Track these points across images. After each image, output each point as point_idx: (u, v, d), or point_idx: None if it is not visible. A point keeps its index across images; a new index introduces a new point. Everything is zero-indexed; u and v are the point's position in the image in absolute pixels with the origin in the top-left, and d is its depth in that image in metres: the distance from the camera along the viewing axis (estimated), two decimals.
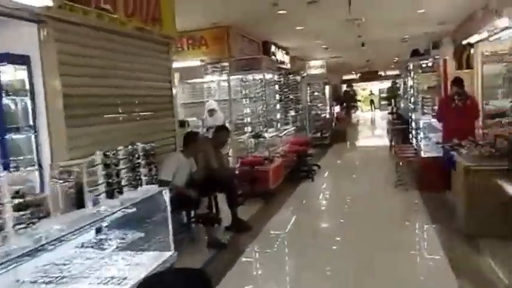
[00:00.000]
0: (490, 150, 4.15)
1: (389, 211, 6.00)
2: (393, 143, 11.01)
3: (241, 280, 4.03)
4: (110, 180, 2.86)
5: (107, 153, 2.91)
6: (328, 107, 14.81)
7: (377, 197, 6.82)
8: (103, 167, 2.83)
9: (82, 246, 2.95)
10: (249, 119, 7.68)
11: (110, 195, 2.84)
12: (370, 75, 27.10)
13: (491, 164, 4.14)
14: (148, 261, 3.12)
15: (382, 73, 27.35)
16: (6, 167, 2.76)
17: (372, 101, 31.58)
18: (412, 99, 8.32)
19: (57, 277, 2.64)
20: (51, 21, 3.50)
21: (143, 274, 2.83)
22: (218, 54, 7.88)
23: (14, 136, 3.20)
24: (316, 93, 13.98)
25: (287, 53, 11.81)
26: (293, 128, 9.70)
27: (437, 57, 9.02)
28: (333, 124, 15.29)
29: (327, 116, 14.41)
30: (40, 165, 3.28)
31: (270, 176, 7.02)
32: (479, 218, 4.20)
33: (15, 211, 2.30)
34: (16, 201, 2.36)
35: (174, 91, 5.48)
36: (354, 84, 28.21)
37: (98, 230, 3.18)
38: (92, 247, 2.91)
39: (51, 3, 3.32)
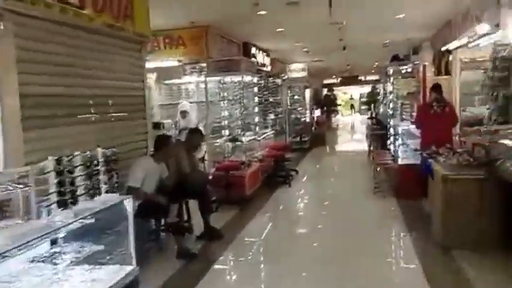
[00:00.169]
0: (468, 159, 4.07)
1: (366, 219, 5.92)
2: (372, 148, 11.01)
3: None
4: (63, 189, 2.61)
5: (61, 159, 2.65)
6: (308, 111, 14.75)
7: (354, 203, 6.73)
8: (55, 175, 2.57)
9: (33, 261, 2.68)
10: (226, 122, 7.46)
11: (62, 205, 2.59)
12: (350, 80, 27.29)
13: (469, 173, 4.06)
14: (107, 276, 2.88)
15: (363, 78, 27.59)
16: None
17: (352, 106, 31.85)
18: (391, 105, 8.28)
19: None
20: (10, 15, 3.24)
21: None
22: (196, 54, 7.64)
23: None
24: (296, 97, 13.88)
25: (268, 55, 11.65)
26: (272, 131, 9.54)
27: (417, 63, 9.05)
28: (313, 128, 15.23)
29: (307, 120, 14.33)
30: None
31: (246, 181, 6.84)
32: (456, 228, 4.12)
33: None
34: None
35: (146, 92, 5.25)
36: (334, 88, 28.36)
37: (53, 243, 2.92)
38: (43, 262, 2.65)
39: None
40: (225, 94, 7.29)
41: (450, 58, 9.00)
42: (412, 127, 6.63)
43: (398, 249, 4.87)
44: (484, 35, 6.05)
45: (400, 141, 6.95)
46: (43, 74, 3.54)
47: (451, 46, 8.40)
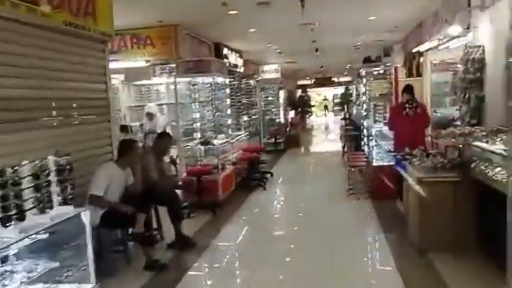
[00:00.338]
0: (442, 161, 4.02)
1: (341, 221, 5.86)
2: (346, 149, 11.04)
3: None
4: (7, 204, 2.34)
5: (4, 170, 2.37)
6: (282, 112, 14.69)
7: (330, 205, 6.67)
8: None
9: None
10: (198, 125, 7.24)
11: (7, 221, 2.32)
12: (324, 81, 27.53)
13: (443, 175, 4.01)
14: None
15: (336, 79, 27.88)
16: None
17: (325, 107, 32.17)
18: (364, 106, 8.28)
19: None
20: None
21: None
22: (165, 54, 7.36)
23: None
24: (270, 98, 13.81)
25: (240, 56, 11.48)
26: (246, 133, 9.38)
27: (388, 64, 9.10)
28: (288, 129, 15.21)
29: (282, 121, 14.28)
30: None
31: (219, 185, 6.66)
32: (432, 231, 4.07)
33: None
34: None
35: (111, 93, 4.96)
36: (308, 90, 28.55)
37: (3, 261, 2.64)
38: None
39: None
40: (196, 96, 7.07)
41: (421, 60, 9.12)
42: (385, 128, 6.62)
43: (374, 251, 4.82)
44: (455, 37, 6.10)
45: (373, 142, 6.91)
46: None
47: (421, 48, 8.49)
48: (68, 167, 2.96)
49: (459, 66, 5.24)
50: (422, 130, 5.88)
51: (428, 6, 7.23)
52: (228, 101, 7.84)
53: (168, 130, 6.81)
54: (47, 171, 2.72)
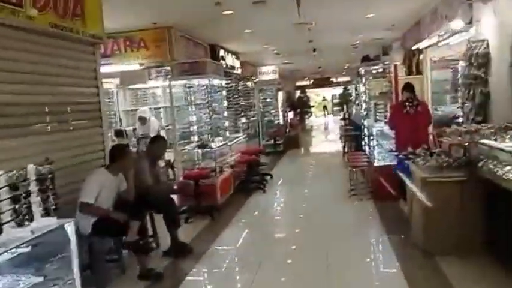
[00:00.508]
0: (448, 160, 3.86)
1: (343, 222, 5.74)
2: (346, 149, 10.89)
3: None
4: None
5: None
6: (281, 113, 14.57)
7: (331, 207, 6.52)
8: None
9: None
10: (195, 128, 7.08)
11: None
12: (322, 82, 27.41)
13: (449, 175, 3.85)
14: None
15: (334, 79, 27.77)
16: None
17: (325, 107, 32.12)
18: (364, 105, 8.12)
19: None
20: None
21: None
22: (160, 57, 7.19)
23: None
24: (268, 100, 13.70)
25: (237, 58, 11.32)
26: (244, 136, 9.22)
27: (387, 63, 8.96)
28: (287, 130, 15.09)
29: (281, 122, 14.15)
30: None
31: (218, 189, 6.51)
32: (437, 233, 3.90)
33: None
34: None
35: (103, 97, 4.80)
36: (307, 90, 28.47)
37: None
38: None
39: None
40: (192, 98, 6.91)
41: (421, 57, 8.97)
42: (386, 128, 6.47)
43: (378, 253, 4.70)
44: (456, 32, 5.94)
45: (375, 142, 6.74)
46: None
47: (421, 45, 8.34)
48: (49, 175, 2.79)
49: (461, 62, 5.06)
50: (425, 128, 5.73)
51: (428, 3, 7.08)
52: (225, 103, 7.68)
53: (162, 134, 6.64)
54: (27, 181, 2.55)
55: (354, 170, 7.13)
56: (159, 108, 9.02)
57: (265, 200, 7.35)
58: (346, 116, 15.67)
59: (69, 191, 3.88)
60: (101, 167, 4.09)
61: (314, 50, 11.76)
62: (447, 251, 3.91)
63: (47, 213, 2.67)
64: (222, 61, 9.65)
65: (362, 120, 8.49)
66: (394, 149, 5.97)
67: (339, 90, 28.53)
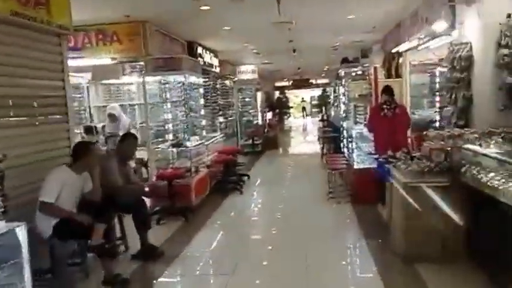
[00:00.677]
0: (429, 165, 3.76)
1: (321, 225, 5.64)
2: (325, 151, 10.83)
3: None
4: None
5: None
6: (260, 113, 14.44)
7: (309, 210, 6.39)
8: None
9: None
10: (170, 126, 6.81)
11: None
12: (301, 83, 27.45)
13: (431, 180, 3.74)
14: None
15: (314, 81, 27.86)
16: None
17: (303, 108, 32.25)
18: (344, 107, 8.04)
19: None
20: None
21: None
22: (133, 52, 6.85)
23: None
24: (247, 99, 13.54)
25: (216, 56, 11.06)
26: (221, 135, 9.00)
27: (367, 65, 8.93)
28: (265, 131, 14.97)
29: (259, 122, 14.02)
30: None
31: (192, 190, 6.29)
32: (419, 240, 3.79)
33: None
34: None
35: (69, 91, 4.49)
36: (286, 91, 28.49)
37: None
38: None
39: None
40: (168, 95, 6.64)
41: (400, 61, 8.97)
42: (366, 130, 6.39)
43: (355, 257, 4.62)
44: (437, 36, 5.90)
45: (354, 144, 6.65)
46: None
47: (401, 48, 8.33)
48: None
49: (439, 68, 4.99)
50: (403, 131, 5.68)
51: (409, 5, 7.03)
52: (202, 101, 7.43)
53: (133, 132, 6.31)
54: None
55: (332, 172, 7.03)
56: (134, 105, 8.69)
57: (241, 201, 7.18)
58: (325, 118, 15.70)
59: (29, 190, 3.62)
60: (62, 165, 3.79)
61: (294, 51, 11.63)
62: (427, 258, 3.81)
63: None
64: (199, 59, 9.37)
65: (341, 122, 8.41)
66: (373, 152, 5.90)
67: (317, 92, 28.71)
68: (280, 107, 23.74)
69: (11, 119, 3.66)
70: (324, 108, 22.49)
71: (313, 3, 6.86)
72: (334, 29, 9.20)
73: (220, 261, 4.56)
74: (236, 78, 13.67)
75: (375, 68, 8.66)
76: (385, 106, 5.64)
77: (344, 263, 4.39)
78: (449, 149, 3.62)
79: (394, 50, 8.81)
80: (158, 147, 6.61)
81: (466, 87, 4.27)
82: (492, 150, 3.06)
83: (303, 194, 7.40)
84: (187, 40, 9.01)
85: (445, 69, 5.06)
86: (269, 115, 18.92)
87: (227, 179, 7.87)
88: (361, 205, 6.04)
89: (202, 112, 7.32)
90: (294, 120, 29.41)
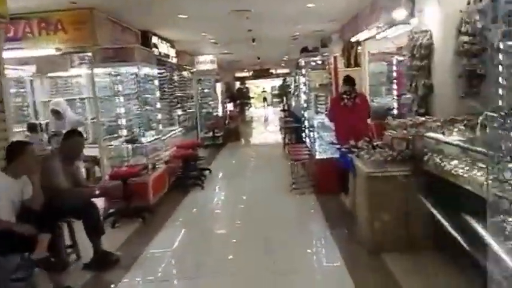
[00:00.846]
0: (392, 154, 3.69)
1: (285, 217, 5.56)
2: (287, 141, 10.76)
3: None
4: None
5: None
6: (220, 105, 14.14)
7: (272, 202, 6.29)
8: None
9: None
10: (123, 121, 6.39)
11: None
12: (262, 73, 27.31)
13: (393, 169, 3.68)
14: None
15: (274, 71, 27.80)
16: None
17: (264, 98, 32.23)
18: (304, 97, 7.95)
19: None
20: None
21: None
22: (80, 42, 6.32)
23: None
24: (207, 90, 13.17)
25: (172, 46, 10.61)
26: (180, 129, 8.65)
27: (326, 54, 8.88)
28: (226, 122, 14.71)
29: (220, 114, 13.72)
30: None
31: (150, 188, 5.96)
32: (384, 230, 3.74)
33: None
34: None
35: (5, 85, 4.05)
36: (247, 82, 28.28)
37: None
38: None
39: None
40: (120, 88, 6.21)
41: (359, 50, 8.99)
42: (327, 120, 6.32)
43: (321, 247, 4.59)
44: (394, 24, 5.88)
45: (316, 134, 6.57)
46: None
47: (360, 37, 8.33)
48: None
49: (404, 53, 4.95)
50: (363, 120, 5.66)
51: None
52: (158, 93, 7.05)
53: (80, 129, 5.86)
54: None
55: (295, 163, 6.94)
56: (84, 99, 8.13)
57: (203, 197, 6.95)
58: (286, 108, 15.67)
59: None
60: None
61: (253, 40, 11.42)
62: (393, 247, 3.78)
63: None
64: (154, 49, 8.93)
65: (302, 112, 8.32)
66: (335, 142, 5.84)
67: (278, 82, 28.73)
68: (241, 98, 23.49)
69: None
70: (284, 98, 22.48)
71: None
72: (294, 18, 9.05)
73: (182, 260, 4.38)
74: (194, 69, 13.26)
75: (335, 58, 8.64)
76: (345, 96, 5.59)
77: (310, 252, 4.39)
78: (411, 137, 3.56)
79: (353, 39, 8.80)
80: (111, 144, 6.19)
81: (426, 75, 4.24)
82: (455, 138, 3.01)
83: (266, 186, 7.28)
84: (141, 29, 8.53)
85: (402, 58, 5.04)
86: (230, 106, 18.64)
87: (187, 175, 7.58)
88: (324, 195, 6.01)
89: (158, 105, 6.94)
90: (255, 110, 29.36)
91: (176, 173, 7.55)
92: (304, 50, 10.61)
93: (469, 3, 3.45)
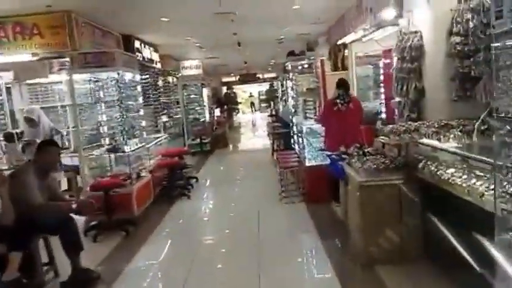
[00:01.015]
0: (384, 162, 3.54)
1: (275, 227, 5.39)
2: (275, 147, 10.59)
3: None
4: None
5: None
6: (207, 111, 13.91)
7: (261, 212, 6.03)
8: None
9: None
10: (105, 129, 6.14)
11: None
12: (249, 78, 27.13)
13: (386, 178, 3.53)
14: None
15: (260, 75, 27.68)
16: None
17: (252, 103, 32.10)
18: (292, 102, 7.79)
19: None
20: None
21: None
22: (57, 46, 6.02)
23: None
24: (193, 96, 12.94)
25: (156, 51, 10.36)
26: (165, 136, 8.40)
27: (313, 58, 8.76)
28: (214, 128, 14.48)
29: (207, 120, 13.50)
30: None
31: (134, 199, 5.71)
32: (377, 242, 3.57)
33: None
34: None
35: None
36: (234, 87, 28.12)
37: None
38: None
39: None
40: (101, 95, 5.97)
41: (346, 53, 8.88)
42: (317, 126, 6.17)
43: (312, 258, 4.43)
44: (381, 26, 5.76)
45: (305, 141, 6.39)
46: None
47: (346, 40, 8.21)
48: None
49: (394, 55, 4.81)
50: (356, 126, 5.46)
51: None
52: (141, 100, 6.82)
53: (57, 137, 5.61)
54: None
55: (284, 170, 6.77)
56: (65, 106, 7.84)
57: (190, 207, 6.72)
58: (274, 113, 15.52)
59: None
60: None
61: (239, 44, 11.23)
62: (386, 259, 3.62)
63: None
64: (138, 53, 8.68)
65: (291, 117, 8.16)
66: (324, 148, 5.68)
67: (265, 87, 28.66)
68: (228, 103, 23.30)
69: None
70: (272, 103, 22.39)
71: None
72: (279, 20, 8.90)
73: (169, 273, 4.25)
74: (180, 74, 13.01)
75: (322, 61, 8.51)
76: (338, 101, 5.39)
77: (300, 262, 4.27)
78: (404, 144, 3.41)
79: (339, 42, 8.68)
80: (92, 154, 5.93)
81: (417, 78, 4.11)
82: (452, 144, 2.86)
83: (255, 195, 7.10)
84: (122, 33, 8.27)
85: (389, 61, 4.92)
86: (217, 112, 18.43)
87: (173, 184, 7.33)
88: (314, 203, 5.85)
89: (142, 112, 6.70)
90: (243, 116, 29.30)
91: (162, 183, 7.31)
92: (291, 53, 10.48)
93: (460, 1, 3.33)
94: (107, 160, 6.23)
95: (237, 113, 28.00)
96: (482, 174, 2.49)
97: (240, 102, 30.08)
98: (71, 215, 4.01)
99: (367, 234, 3.62)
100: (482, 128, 2.70)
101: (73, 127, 7.21)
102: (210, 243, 5.18)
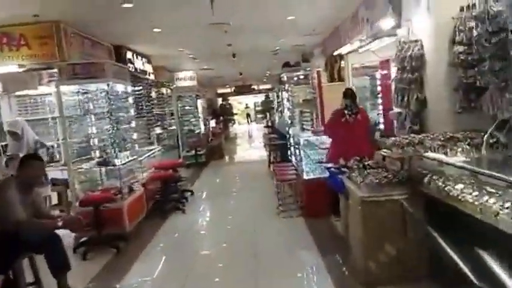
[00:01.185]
0: (387, 176, 3.37)
1: (273, 243, 5.22)
2: (271, 159, 10.42)
3: None
4: None
5: None
6: (202, 122, 13.76)
7: (258, 227, 5.89)
8: None
9: None
10: (96, 142, 5.96)
11: None
12: (244, 89, 27.12)
13: (389, 193, 3.35)
14: None
15: (256, 87, 27.67)
16: None
17: (248, 115, 32.06)
18: (288, 113, 7.65)
19: None
20: None
21: None
22: (45, 57, 5.85)
23: None
24: (187, 107, 12.80)
25: (149, 62, 10.22)
26: (159, 148, 8.22)
27: (309, 69, 8.68)
28: (209, 140, 14.31)
29: (202, 131, 13.34)
30: None
31: (125, 214, 5.51)
32: (381, 262, 3.38)
33: None
34: None
35: None
36: (229, 98, 28.09)
37: None
38: None
39: None
40: (91, 107, 5.80)
41: (342, 64, 8.80)
42: (315, 137, 5.99)
43: (312, 275, 4.23)
44: (377, 37, 5.67)
45: (302, 153, 6.21)
46: None
47: (342, 51, 8.13)
48: None
49: (394, 67, 4.68)
50: (363, 139, 5.12)
51: (348, 6, 6.78)
52: (133, 111, 6.64)
53: (42, 151, 5.41)
54: None
55: (281, 183, 6.60)
56: (55, 118, 7.64)
57: (184, 222, 6.50)
58: (270, 124, 15.40)
59: None
60: None
61: (234, 55, 11.14)
62: (389, 277, 3.42)
63: None
64: (130, 64, 8.52)
65: (287, 129, 8.01)
66: (323, 161, 5.49)
67: (261, 98, 28.64)
68: (224, 114, 23.23)
69: None
70: (268, 114, 22.33)
71: (250, 2, 6.40)
72: (274, 31, 8.81)
73: None
74: (174, 86, 12.88)
75: (318, 72, 8.44)
76: (346, 111, 5.15)
77: (299, 277, 4.11)
78: (408, 157, 3.25)
79: (335, 53, 8.60)
80: (82, 167, 5.73)
81: (419, 88, 3.97)
82: (460, 158, 2.71)
83: (252, 209, 6.90)
84: (114, 44, 8.12)
85: (386, 71, 4.79)
86: (212, 123, 18.30)
87: (168, 198, 7.12)
88: (313, 218, 5.67)
89: (134, 124, 6.52)
90: (239, 127, 29.21)
91: (155, 197, 7.10)
92: (286, 65, 10.42)
93: (462, 9, 3.21)
94: (98, 173, 6.04)
95: (233, 124, 27.93)
96: (493, 190, 2.33)
97: (236, 113, 30.04)
98: (57, 232, 3.80)
99: (369, 252, 3.44)
100: (491, 141, 2.55)
101: (62, 139, 7.02)
102: (205, 259, 5.00)
